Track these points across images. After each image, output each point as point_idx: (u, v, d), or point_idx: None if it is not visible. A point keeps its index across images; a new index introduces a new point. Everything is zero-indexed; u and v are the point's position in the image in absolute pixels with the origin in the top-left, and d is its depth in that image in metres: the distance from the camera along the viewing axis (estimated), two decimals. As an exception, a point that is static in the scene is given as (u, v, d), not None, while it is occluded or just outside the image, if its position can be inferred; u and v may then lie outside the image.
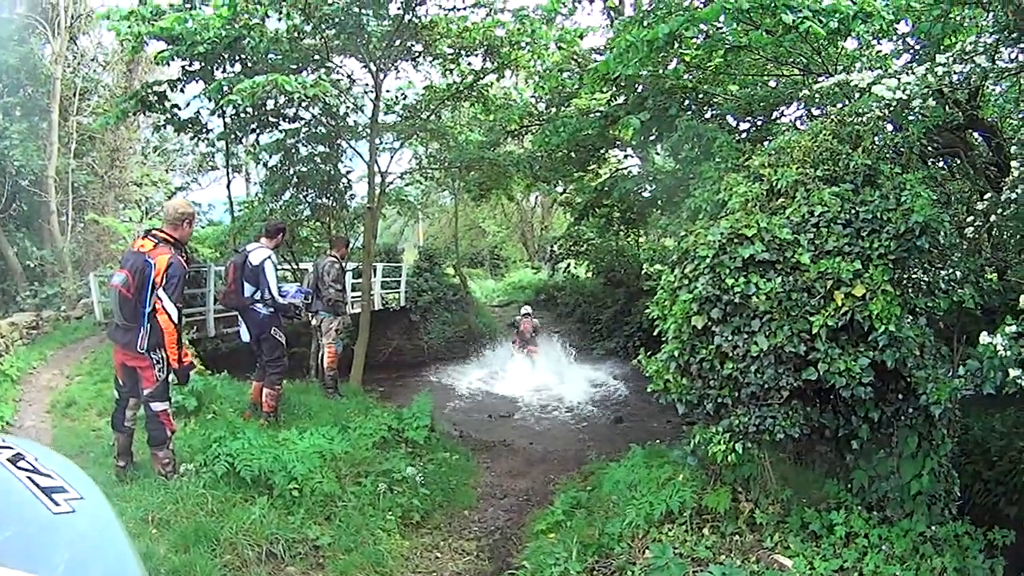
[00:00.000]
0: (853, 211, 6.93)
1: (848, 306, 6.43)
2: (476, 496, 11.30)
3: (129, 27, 14.36)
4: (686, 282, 7.17)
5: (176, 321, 7.61)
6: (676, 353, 7.20)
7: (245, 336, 11.01)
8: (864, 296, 6.43)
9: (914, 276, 6.92)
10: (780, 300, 6.62)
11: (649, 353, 7.80)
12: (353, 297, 21.82)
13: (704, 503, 7.77)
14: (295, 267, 18.57)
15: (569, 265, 30.73)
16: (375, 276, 24.66)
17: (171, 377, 8.02)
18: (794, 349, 6.53)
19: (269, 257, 10.72)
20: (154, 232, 7.87)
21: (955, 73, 7.29)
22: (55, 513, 1.31)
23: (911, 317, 6.71)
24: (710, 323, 6.92)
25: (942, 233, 6.68)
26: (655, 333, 7.81)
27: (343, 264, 13.59)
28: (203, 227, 30.66)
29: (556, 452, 14.19)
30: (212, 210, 34.71)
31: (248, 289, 10.64)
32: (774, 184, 7.47)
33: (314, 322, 14.13)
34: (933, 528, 6.75)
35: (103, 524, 1.41)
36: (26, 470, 1.37)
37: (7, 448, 1.42)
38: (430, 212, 48.16)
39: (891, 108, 7.45)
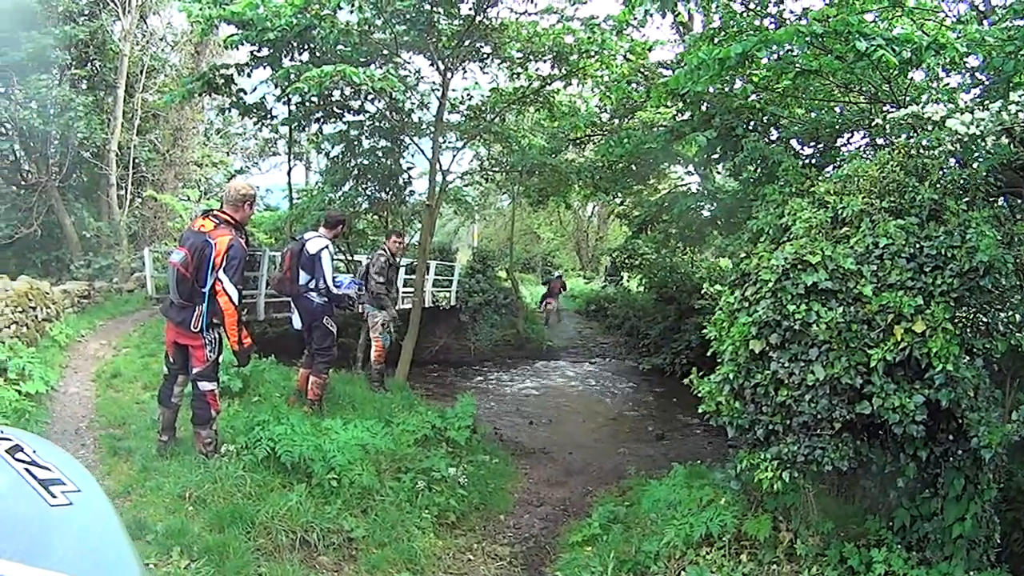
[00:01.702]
0: (917, 245, 6.82)
1: (907, 342, 6.32)
2: (513, 502, 11.28)
3: (201, 9, 14.56)
4: (746, 305, 7.09)
5: (237, 303, 7.66)
6: (731, 376, 7.12)
7: (297, 324, 11.09)
8: (924, 333, 6.31)
9: (974, 316, 6.80)
10: (840, 330, 6.52)
11: (701, 373, 7.73)
12: (405, 293, 21.92)
13: (744, 529, 7.70)
14: (349, 258, 18.63)
15: (622, 278, 30.66)
16: (428, 274, 24.72)
17: (223, 358, 8.10)
18: (850, 381, 6.43)
19: (327, 247, 10.77)
20: (215, 212, 7.92)
21: (1027, 111, 7.18)
22: (52, 505, 1.29)
23: (968, 357, 6.58)
24: (768, 348, 6.83)
25: (1005, 274, 6.56)
26: (707, 353, 7.74)
27: (393, 257, 13.56)
28: (260, 212, 30.83)
29: (595, 464, 14.10)
30: (269, 195, 35.02)
31: (303, 277, 10.71)
32: (839, 212, 7.38)
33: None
34: (971, 574, 6.62)
35: (100, 517, 1.40)
36: (24, 462, 1.36)
37: (5, 439, 1.41)
38: (487, 214, 48.21)
39: (962, 143, 7.35)
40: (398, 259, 13.77)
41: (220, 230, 7.71)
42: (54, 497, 1.31)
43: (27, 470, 1.34)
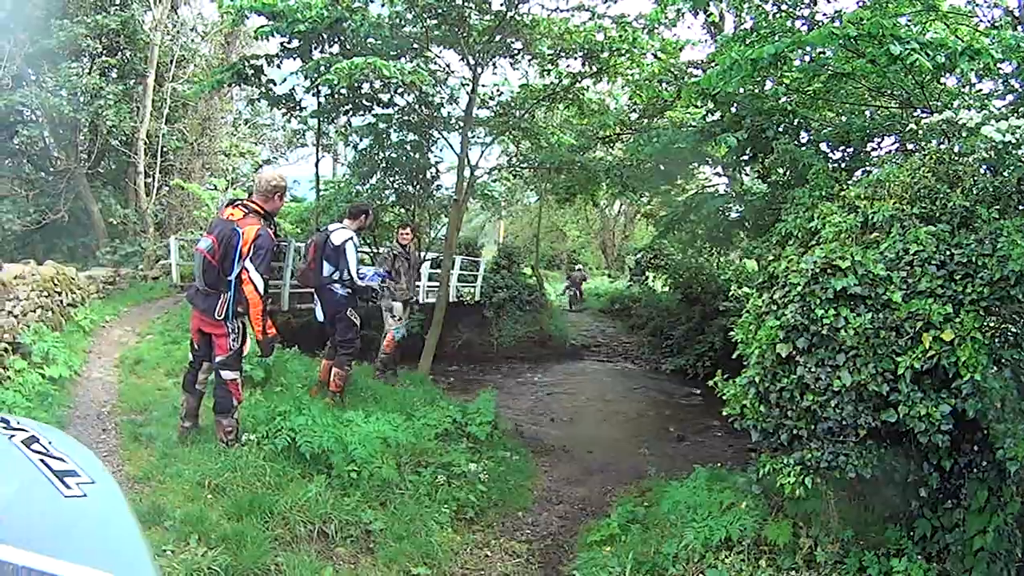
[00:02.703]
0: (948, 252, 6.76)
1: (935, 350, 6.26)
2: (532, 499, 11.26)
3: (232, 0, 14.56)
4: (774, 308, 7.04)
5: (262, 293, 7.67)
6: (757, 379, 7.07)
7: (320, 315, 11.11)
8: (952, 341, 6.26)
9: (1002, 326, 6.73)
10: (868, 337, 6.47)
11: (725, 376, 7.68)
12: (430, 287, 21.92)
13: (764, 534, 7.65)
14: (374, 251, 18.65)
15: (648, 278, 30.67)
16: (453, 268, 24.74)
17: (249, 348, 8.11)
18: (877, 388, 6.38)
19: (351, 238, 10.80)
20: (244, 202, 7.94)
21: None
22: (66, 496, 1.29)
23: (996, 368, 6.51)
24: (795, 352, 6.78)
25: (1036, 284, 6.49)
26: (732, 356, 7.70)
27: (404, 249, 13.52)
28: (287, 202, 30.92)
29: (615, 463, 14.06)
30: (297, 186, 35.15)
31: (327, 268, 10.74)
32: (869, 217, 7.34)
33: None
34: (991, 587, 6.57)
35: (114, 509, 1.40)
36: (39, 453, 1.37)
37: (21, 430, 1.42)
38: (513, 210, 48.24)
39: (996, 151, 7.27)
40: (411, 251, 13.67)
41: (249, 219, 7.73)
42: (68, 488, 1.31)
43: (42, 461, 1.34)
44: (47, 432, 1.46)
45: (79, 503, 1.30)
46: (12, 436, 1.40)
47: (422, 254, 18.72)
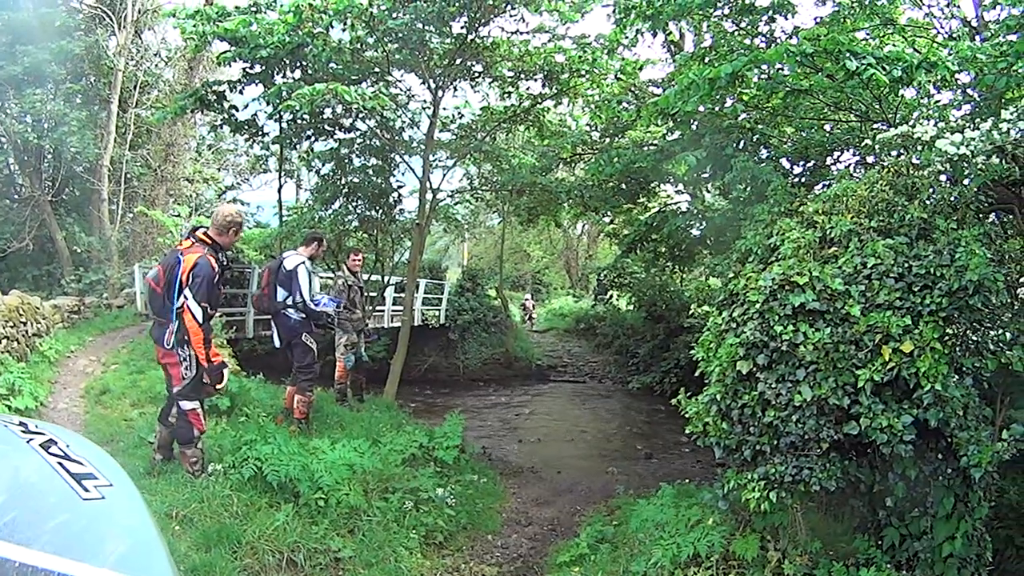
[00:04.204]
0: (906, 265, 6.81)
1: (895, 362, 6.31)
2: (501, 521, 11.25)
3: (194, 26, 14.62)
4: (734, 326, 7.09)
5: (200, 321, 7.59)
6: (718, 397, 7.10)
7: (277, 341, 11.09)
8: (912, 353, 6.30)
9: (963, 335, 6.79)
10: (827, 351, 6.51)
11: (688, 394, 7.70)
12: (394, 311, 21.90)
13: (732, 549, 7.65)
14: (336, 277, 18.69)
15: (611, 296, 30.79)
16: (417, 292, 24.72)
17: (204, 377, 8.04)
18: (838, 401, 6.43)
19: (303, 263, 10.85)
20: (197, 233, 7.92)
21: (1018, 129, 7.16)
22: (84, 499, 1.33)
23: (957, 376, 6.56)
24: (755, 369, 6.82)
25: (995, 293, 6.55)
26: (696, 374, 7.72)
27: (353, 276, 13.44)
28: (251, 228, 30.94)
29: (584, 483, 14.09)
30: (260, 212, 35.15)
31: (281, 293, 10.77)
32: (827, 232, 7.39)
33: None
34: (962, 594, 6.60)
35: (132, 511, 1.44)
36: (58, 456, 1.40)
37: (39, 434, 1.43)
38: (477, 232, 48.38)
39: (952, 163, 7.34)
40: (359, 277, 13.65)
41: (194, 248, 7.70)
42: (87, 491, 1.35)
43: (60, 464, 1.38)
44: (65, 436, 1.51)
45: (97, 505, 1.34)
46: (31, 440, 1.43)
47: (386, 278, 18.71)
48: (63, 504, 1.29)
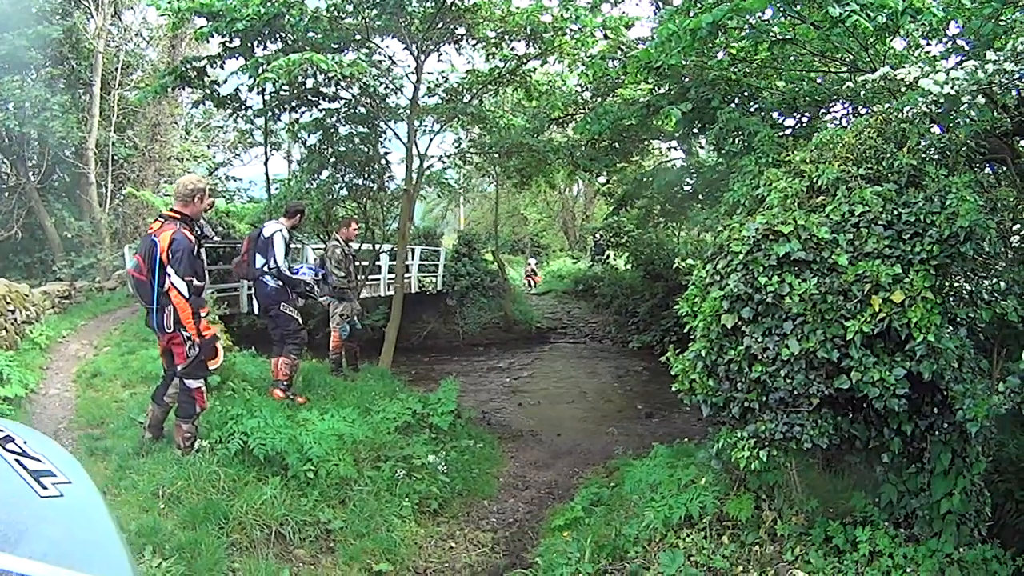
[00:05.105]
0: (895, 212, 6.63)
1: (886, 312, 6.14)
2: (498, 486, 11.26)
3: (169, 2, 14.34)
4: (718, 279, 6.92)
5: (187, 295, 7.54)
6: (703, 353, 6.95)
7: (256, 308, 11.28)
8: (903, 302, 6.13)
9: (956, 284, 6.63)
10: (815, 302, 6.34)
11: (678, 351, 7.57)
12: (391, 279, 21.90)
13: (726, 509, 7.58)
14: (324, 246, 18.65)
15: (609, 256, 30.75)
16: (411, 259, 24.70)
17: (221, 360, 8.05)
18: (827, 355, 6.25)
19: (280, 230, 11.03)
20: (164, 212, 7.88)
21: (1005, 72, 6.99)
22: (42, 497, 1.29)
23: (951, 327, 6.38)
24: (740, 323, 6.66)
25: (987, 240, 6.33)
26: (687, 330, 7.60)
27: (347, 245, 13.54)
28: (243, 203, 30.92)
29: (583, 445, 14.08)
30: (253, 187, 35.09)
31: (259, 260, 10.96)
32: (815, 181, 7.21)
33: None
34: (961, 550, 6.45)
35: (90, 508, 1.41)
36: (15, 453, 1.37)
37: None
38: (472, 197, 48.48)
39: (938, 104, 7.17)
40: (355, 247, 13.69)
41: (165, 227, 7.66)
42: (45, 488, 1.32)
43: (18, 461, 1.35)
44: (23, 432, 1.48)
45: (55, 503, 1.31)
46: None
47: (378, 246, 18.63)
48: (20, 502, 1.26)
